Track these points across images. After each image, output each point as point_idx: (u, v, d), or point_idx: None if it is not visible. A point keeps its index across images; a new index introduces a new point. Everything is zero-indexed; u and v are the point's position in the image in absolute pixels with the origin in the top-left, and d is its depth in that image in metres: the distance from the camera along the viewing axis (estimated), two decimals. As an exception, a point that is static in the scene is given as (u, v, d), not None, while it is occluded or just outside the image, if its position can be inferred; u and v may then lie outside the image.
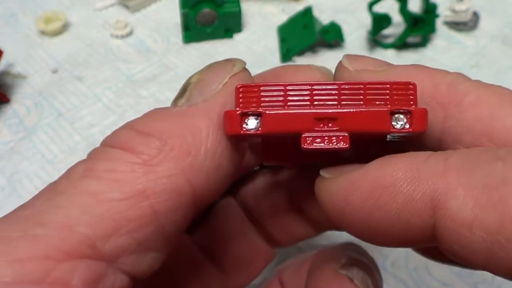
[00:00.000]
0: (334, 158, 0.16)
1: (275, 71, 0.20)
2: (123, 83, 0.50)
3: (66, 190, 0.14)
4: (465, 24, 0.52)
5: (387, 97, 0.14)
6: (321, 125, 0.14)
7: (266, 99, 0.15)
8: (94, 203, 0.13)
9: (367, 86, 0.14)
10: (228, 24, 0.53)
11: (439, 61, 0.50)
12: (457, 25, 0.52)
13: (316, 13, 0.52)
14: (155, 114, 0.16)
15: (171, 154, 0.14)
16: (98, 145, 0.16)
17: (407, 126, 0.14)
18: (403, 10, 0.48)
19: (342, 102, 0.14)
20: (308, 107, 0.14)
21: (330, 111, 0.14)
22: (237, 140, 0.16)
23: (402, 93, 0.14)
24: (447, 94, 0.16)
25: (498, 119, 0.15)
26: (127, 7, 0.57)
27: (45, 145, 0.44)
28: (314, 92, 0.14)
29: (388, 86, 0.14)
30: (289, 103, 0.14)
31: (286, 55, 0.51)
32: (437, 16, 0.49)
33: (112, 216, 0.13)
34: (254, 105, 0.15)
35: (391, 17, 0.49)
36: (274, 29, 0.54)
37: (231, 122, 0.15)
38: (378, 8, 0.49)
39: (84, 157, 0.15)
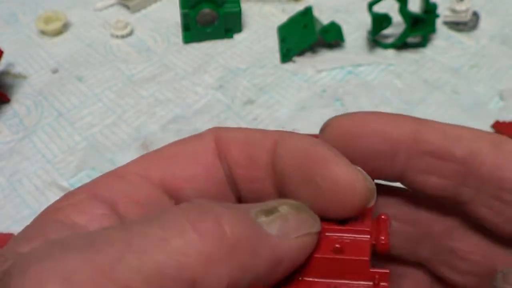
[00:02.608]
0: None
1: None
2: (123, 83, 0.50)
3: (148, 251, 0.15)
4: (465, 24, 0.52)
5: None
6: None
7: None
8: (155, 276, 0.15)
9: None
10: (228, 24, 0.53)
11: (439, 61, 0.50)
12: (457, 25, 0.52)
13: (316, 13, 0.52)
14: (243, 217, 0.17)
15: (231, 263, 0.16)
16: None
17: None
18: (403, 10, 0.48)
19: None
20: None
21: None
22: None
23: None
24: None
25: None
26: (127, 7, 0.57)
27: (45, 145, 0.44)
28: None
29: None
30: None
31: (286, 55, 0.51)
32: (437, 16, 0.49)
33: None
34: None
35: (391, 17, 0.49)
36: (274, 29, 0.54)
37: None
38: (378, 8, 0.49)
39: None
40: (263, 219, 0.17)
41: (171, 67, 0.51)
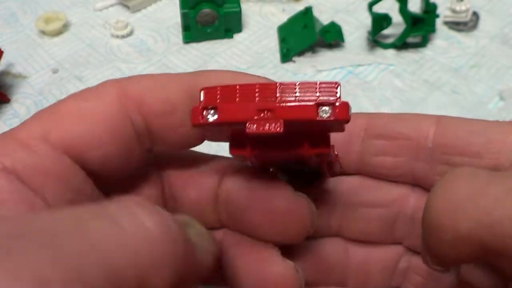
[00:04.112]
0: (290, 159, 0.20)
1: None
2: (123, 83, 0.50)
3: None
4: (465, 24, 0.52)
5: (316, 93, 0.18)
6: (262, 114, 0.17)
7: (223, 96, 0.18)
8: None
9: (300, 84, 0.18)
10: (228, 24, 0.53)
11: (439, 61, 0.50)
12: (457, 25, 0.52)
13: (316, 13, 0.52)
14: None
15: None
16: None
17: (332, 117, 0.17)
18: (403, 10, 0.48)
19: (281, 98, 0.18)
20: (253, 102, 0.18)
21: (268, 103, 0.18)
22: (204, 132, 0.20)
23: (328, 90, 0.17)
24: None
25: None
26: (127, 7, 0.57)
27: (45, 145, 0.44)
28: (258, 90, 0.18)
29: (317, 85, 0.18)
30: (239, 99, 0.18)
31: (286, 55, 0.51)
32: (437, 16, 0.49)
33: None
34: (213, 102, 0.18)
35: (391, 17, 0.49)
36: (274, 29, 0.54)
37: (195, 115, 0.18)
38: (378, 8, 0.49)
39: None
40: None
41: (171, 67, 0.51)
